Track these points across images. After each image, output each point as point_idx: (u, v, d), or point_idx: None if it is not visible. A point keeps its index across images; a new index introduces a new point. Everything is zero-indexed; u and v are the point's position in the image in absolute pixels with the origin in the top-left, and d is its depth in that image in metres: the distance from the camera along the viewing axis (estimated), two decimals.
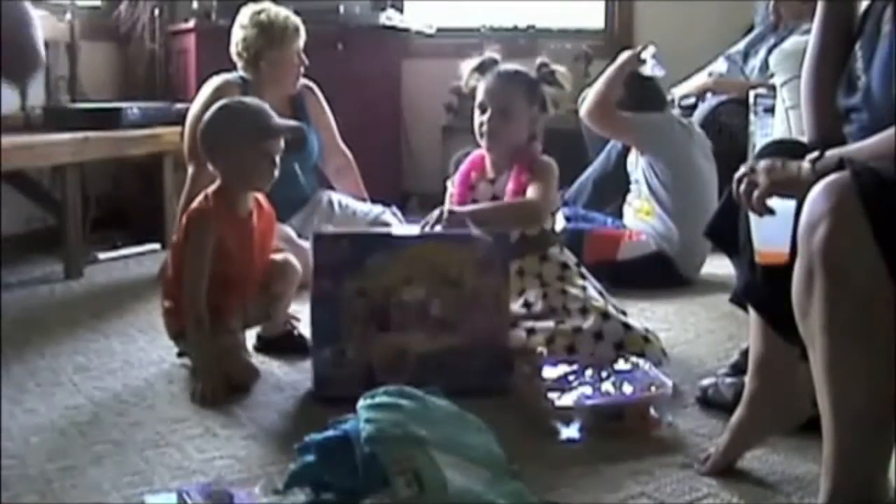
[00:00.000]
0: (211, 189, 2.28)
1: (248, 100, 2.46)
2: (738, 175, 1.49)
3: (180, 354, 2.35)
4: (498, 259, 2.16)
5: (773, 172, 1.43)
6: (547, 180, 2.46)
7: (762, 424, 1.73)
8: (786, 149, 1.72)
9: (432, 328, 2.14)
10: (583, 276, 2.48)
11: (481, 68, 2.54)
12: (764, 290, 1.61)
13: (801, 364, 1.47)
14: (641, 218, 3.32)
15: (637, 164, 3.32)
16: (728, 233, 1.71)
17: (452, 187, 2.61)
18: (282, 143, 2.31)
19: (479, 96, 2.53)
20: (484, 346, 2.15)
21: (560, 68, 2.56)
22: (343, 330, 2.12)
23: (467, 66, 2.56)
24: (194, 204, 2.29)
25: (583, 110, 3.30)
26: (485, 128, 2.49)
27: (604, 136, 3.40)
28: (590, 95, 3.29)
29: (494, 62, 2.54)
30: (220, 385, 2.13)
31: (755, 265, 1.61)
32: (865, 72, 1.60)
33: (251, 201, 2.32)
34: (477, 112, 2.53)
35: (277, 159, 2.28)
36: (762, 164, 1.46)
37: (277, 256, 2.43)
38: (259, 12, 3.29)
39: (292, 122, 2.41)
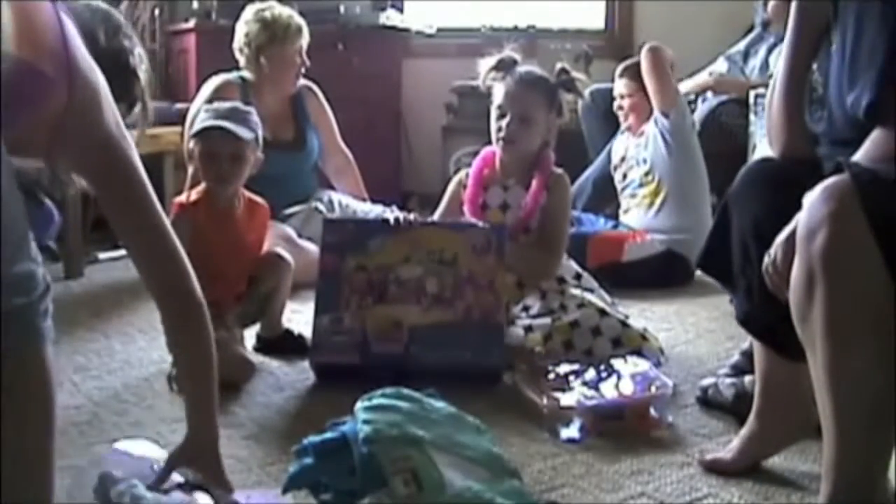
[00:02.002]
0: (200, 186, 2.39)
1: (229, 104, 2.49)
2: (764, 266, 1.45)
3: None
4: (493, 246, 2.27)
5: (789, 242, 1.40)
6: (565, 213, 2.55)
7: (773, 440, 1.73)
8: (771, 167, 1.70)
9: (427, 303, 2.24)
10: (582, 287, 2.47)
11: (499, 67, 2.51)
12: (763, 318, 1.61)
13: (805, 371, 1.47)
14: (646, 205, 3.34)
15: (648, 143, 3.35)
16: (721, 262, 1.70)
17: (455, 185, 2.60)
18: (242, 150, 2.32)
19: (498, 99, 2.50)
20: (476, 324, 2.22)
21: (580, 75, 2.56)
22: (342, 300, 2.24)
23: (485, 64, 2.52)
24: (177, 199, 2.42)
25: (647, 47, 3.35)
26: (503, 133, 2.47)
27: (648, 79, 3.38)
28: (657, 44, 3.37)
29: (513, 62, 2.51)
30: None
31: (752, 293, 1.60)
32: (824, 85, 1.58)
33: (236, 198, 2.39)
34: (494, 114, 2.50)
35: (238, 164, 2.32)
36: (776, 242, 1.43)
37: (267, 251, 2.47)
38: (263, 9, 3.31)
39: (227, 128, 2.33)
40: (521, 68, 2.52)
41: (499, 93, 2.50)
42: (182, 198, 2.39)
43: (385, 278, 2.25)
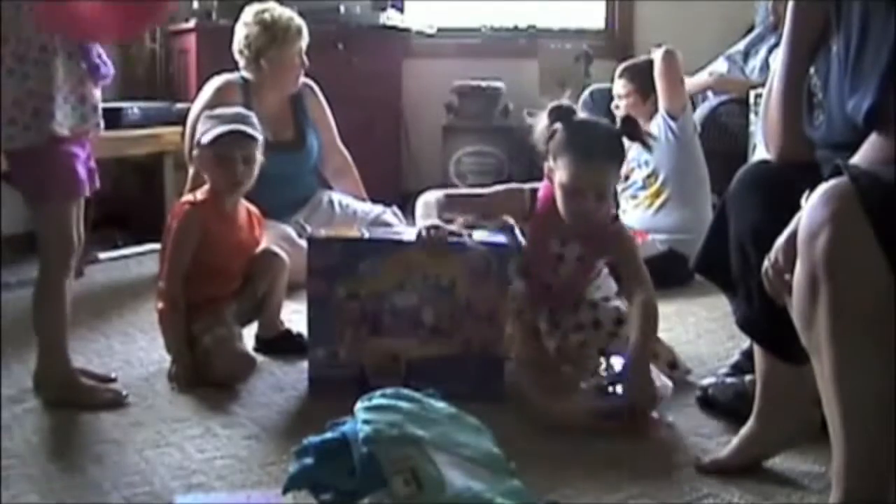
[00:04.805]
0: (204, 187, 2.40)
1: (231, 109, 2.52)
2: (763, 270, 1.44)
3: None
4: (493, 271, 2.12)
5: (789, 244, 1.39)
6: (636, 254, 2.29)
7: (773, 441, 1.73)
8: (768, 170, 1.69)
9: (424, 335, 2.13)
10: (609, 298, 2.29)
11: (557, 118, 2.14)
12: (763, 322, 1.60)
13: (805, 373, 1.46)
14: (646, 205, 3.36)
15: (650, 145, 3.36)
16: (719, 266, 1.69)
17: (517, 191, 2.29)
18: (254, 151, 2.36)
19: (568, 176, 2.08)
20: (477, 356, 2.13)
21: (650, 129, 2.33)
22: (336, 332, 2.14)
23: (539, 121, 2.18)
24: (183, 198, 2.44)
25: (663, 50, 3.35)
26: (582, 215, 2.12)
27: (661, 81, 3.35)
28: (672, 49, 3.37)
29: (571, 111, 2.17)
30: (190, 367, 2.24)
31: (751, 297, 1.59)
32: (823, 89, 1.57)
33: (239, 203, 2.42)
34: (564, 190, 2.11)
35: (250, 166, 2.35)
36: (775, 245, 1.41)
37: (260, 249, 2.48)
38: (263, 11, 3.30)
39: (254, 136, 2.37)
40: (583, 127, 2.17)
41: (567, 164, 2.09)
42: (189, 197, 2.41)
43: (379, 307, 2.13)
